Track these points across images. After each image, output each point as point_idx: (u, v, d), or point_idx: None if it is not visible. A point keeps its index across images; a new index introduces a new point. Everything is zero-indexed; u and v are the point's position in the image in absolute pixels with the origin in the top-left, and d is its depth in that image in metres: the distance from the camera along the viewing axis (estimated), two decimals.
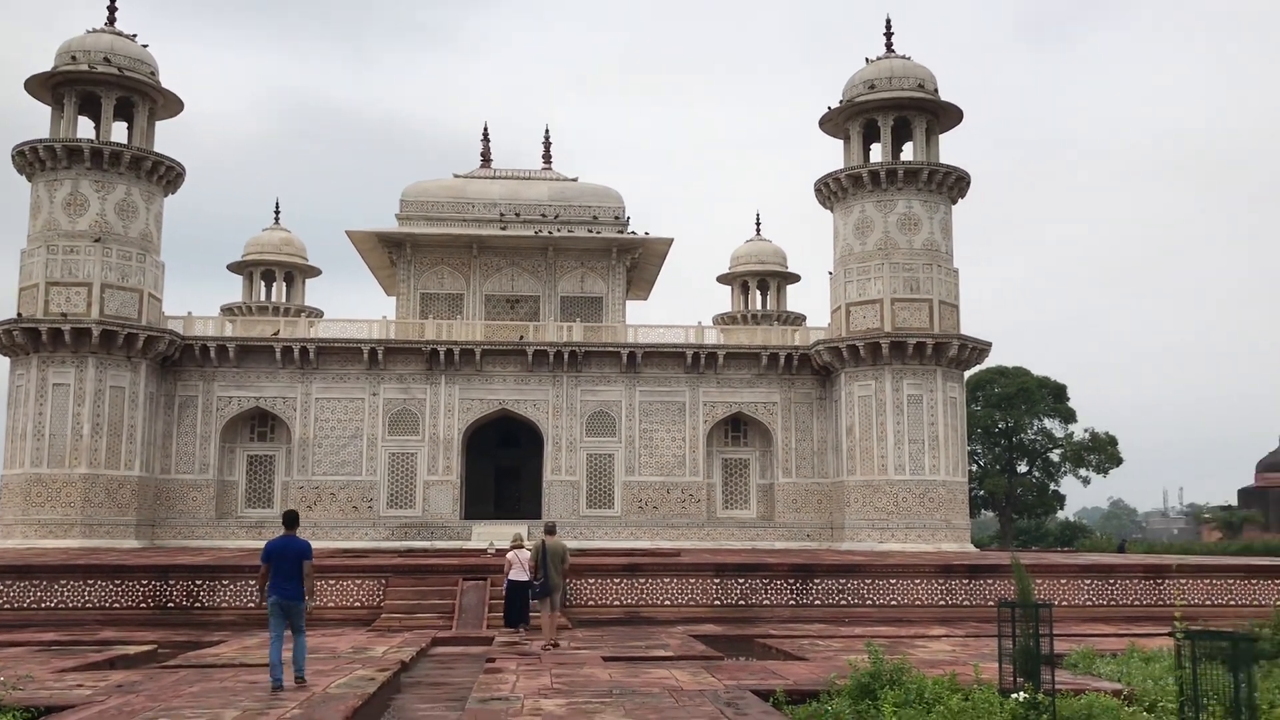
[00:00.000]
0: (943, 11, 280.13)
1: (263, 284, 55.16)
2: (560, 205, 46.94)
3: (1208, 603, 23.56)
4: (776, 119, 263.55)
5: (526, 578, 18.16)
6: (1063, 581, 23.59)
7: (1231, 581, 24.17)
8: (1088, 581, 23.75)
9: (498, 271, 45.82)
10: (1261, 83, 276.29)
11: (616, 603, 22.01)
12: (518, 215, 46.33)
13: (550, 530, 17.83)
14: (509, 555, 19.37)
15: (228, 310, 52.88)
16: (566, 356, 41.28)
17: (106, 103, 38.62)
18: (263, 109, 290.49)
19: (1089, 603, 23.38)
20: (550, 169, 50.63)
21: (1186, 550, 59.17)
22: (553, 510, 40.58)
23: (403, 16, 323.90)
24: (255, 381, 40.74)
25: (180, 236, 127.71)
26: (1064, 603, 22.67)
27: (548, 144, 51.62)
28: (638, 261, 47.73)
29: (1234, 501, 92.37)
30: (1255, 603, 23.09)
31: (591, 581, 22.16)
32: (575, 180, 49.15)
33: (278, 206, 57.02)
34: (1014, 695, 9.68)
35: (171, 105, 40.49)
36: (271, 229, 56.24)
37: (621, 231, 46.52)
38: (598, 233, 46.03)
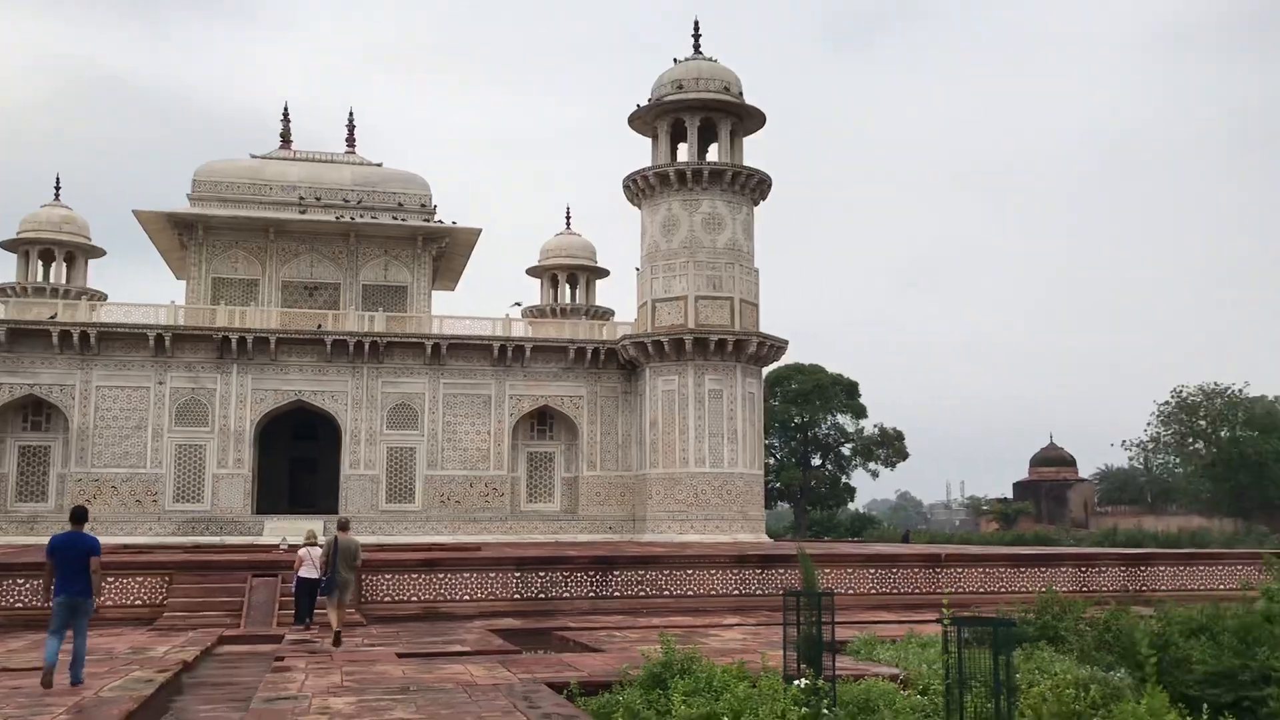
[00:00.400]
0: (751, 14, 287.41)
1: (40, 264, 51.87)
2: (364, 190, 45.88)
3: (981, 590, 24.98)
4: (589, 113, 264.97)
5: (317, 574, 17.72)
6: (849, 570, 24.57)
7: (1001, 570, 25.68)
8: (872, 570, 24.82)
9: (296, 257, 44.40)
10: (1044, 96, 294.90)
11: (414, 599, 21.68)
12: (318, 200, 45.03)
13: (344, 526, 17.43)
14: (300, 552, 18.87)
15: (0, 291, 49.46)
16: (368, 347, 40.39)
17: None
18: (40, 76, 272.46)
19: (873, 590, 24.44)
20: (354, 153, 49.41)
21: (966, 540, 62.71)
22: (350, 505, 39.67)
23: None
24: (29, 367, 38.25)
25: None
26: (850, 591, 23.63)
27: (351, 127, 50.37)
28: (445, 251, 47.12)
29: (1010, 494, 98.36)
30: (1024, 589, 24.58)
31: (388, 577, 21.76)
32: (380, 165, 48.16)
33: (58, 182, 53.75)
34: (796, 682, 10.02)
35: None
36: (51, 205, 52.91)
37: (428, 220, 45.84)
38: (403, 220, 45.22)
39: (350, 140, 50.07)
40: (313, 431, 43.00)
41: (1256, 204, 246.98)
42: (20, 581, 19.85)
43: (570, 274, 57.57)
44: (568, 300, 57.27)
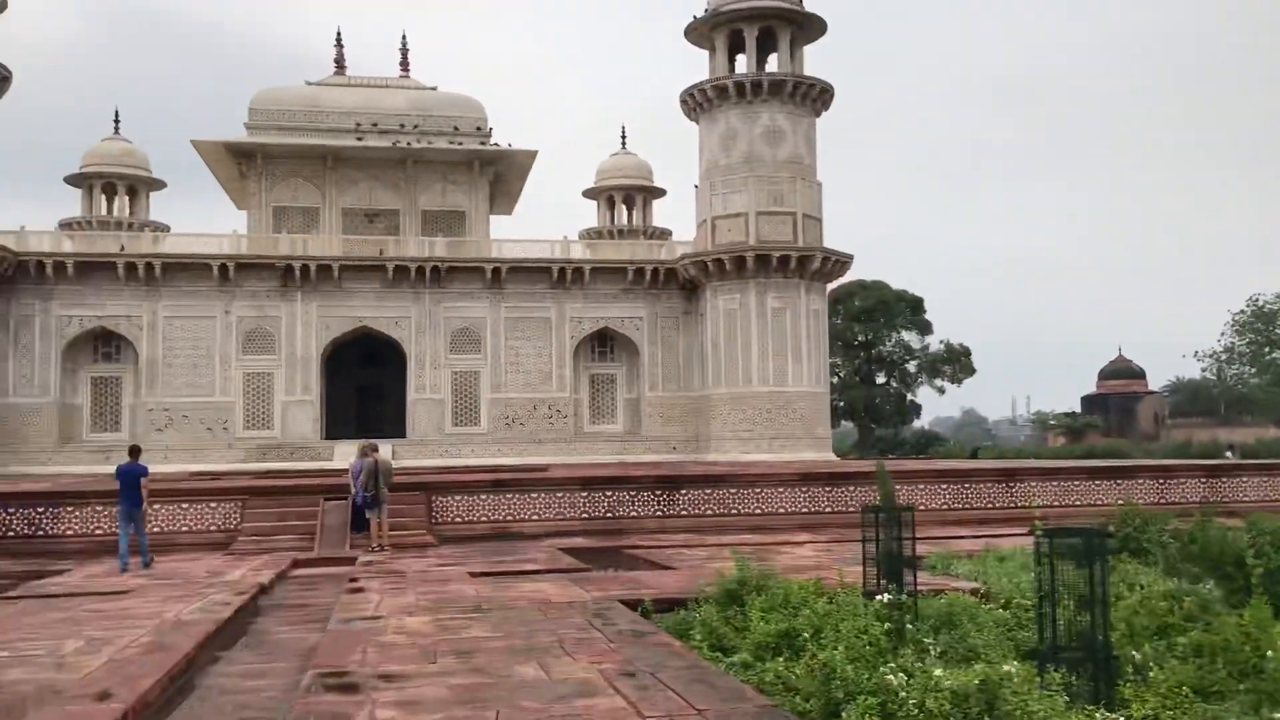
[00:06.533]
0: None
1: (103, 197, 52.43)
2: (420, 115, 45.49)
3: (1056, 504, 24.52)
4: (645, 30, 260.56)
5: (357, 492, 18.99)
6: (921, 486, 24.24)
7: (1077, 483, 25.20)
8: (944, 486, 24.47)
9: (354, 184, 44.28)
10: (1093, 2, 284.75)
11: (483, 519, 21.76)
12: (375, 126, 44.76)
13: (374, 449, 19.42)
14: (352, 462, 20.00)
15: (67, 225, 50.12)
16: (429, 272, 40.35)
17: None
18: (90, 9, 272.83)
19: (946, 506, 24.11)
20: (408, 77, 48.95)
21: (1035, 455, 61.86)
22: (418, 429, 40.01)
23: None
24: (97, 300, 38.75)
25: (7, 148, 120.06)
26: (922, 506, 23.29)
27: (405, 51, 49.84)
28: (501, 174, 46.72)
29: (1077, 409, 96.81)
30: (1099, 503, 24.13)
31: (458, 499, 21.84)
32: (435, 89, 47.70)
33: (117, 116, 54.02)
34: (879, 597, 9.78)
35: None
36: (111, 139, 53.27)
37: (484, 143, 45.43)
38: (459, 144, 44.87)
39: (404, 64, 49.54)
40: (378, 358, 43.19)
41: None
42: (100, 509, 20.20)
43: (627, 195, 56.96)
44: (625, 222, 56.74)
